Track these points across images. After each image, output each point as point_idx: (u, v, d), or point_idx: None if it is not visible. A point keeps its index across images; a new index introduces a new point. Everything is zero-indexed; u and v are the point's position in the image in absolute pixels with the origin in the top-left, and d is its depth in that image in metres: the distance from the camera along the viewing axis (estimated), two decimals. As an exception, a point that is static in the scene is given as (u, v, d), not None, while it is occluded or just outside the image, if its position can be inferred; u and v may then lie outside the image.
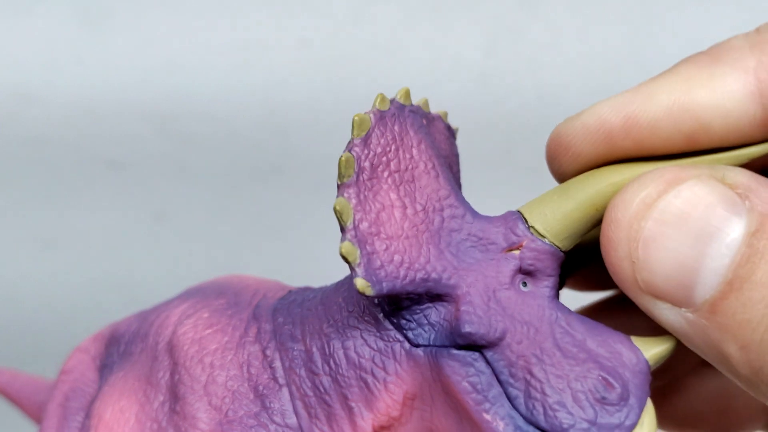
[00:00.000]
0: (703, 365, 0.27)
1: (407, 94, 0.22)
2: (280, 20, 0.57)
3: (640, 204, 0.19)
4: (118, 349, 0.26)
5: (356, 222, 0.20)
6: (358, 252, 0.20)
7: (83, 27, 0.55)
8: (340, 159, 0.20)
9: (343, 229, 0.20)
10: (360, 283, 0.20)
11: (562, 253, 0.22)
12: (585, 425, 0.20)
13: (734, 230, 0.18)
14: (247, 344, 0.23)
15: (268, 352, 0.23)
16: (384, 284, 0.20)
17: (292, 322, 0.23)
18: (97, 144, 0.56)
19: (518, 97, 0.55)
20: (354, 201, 0.20)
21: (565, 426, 0.20)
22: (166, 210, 0.57)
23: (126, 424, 0.23)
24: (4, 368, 0.31)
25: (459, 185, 0.24)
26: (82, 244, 0.56)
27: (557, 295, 0.22)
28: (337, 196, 0.20)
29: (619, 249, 0.20)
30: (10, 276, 0.55)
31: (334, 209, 0.20)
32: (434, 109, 0.23)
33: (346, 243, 0.20)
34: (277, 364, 0.22)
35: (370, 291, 0.20)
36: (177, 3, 0.56)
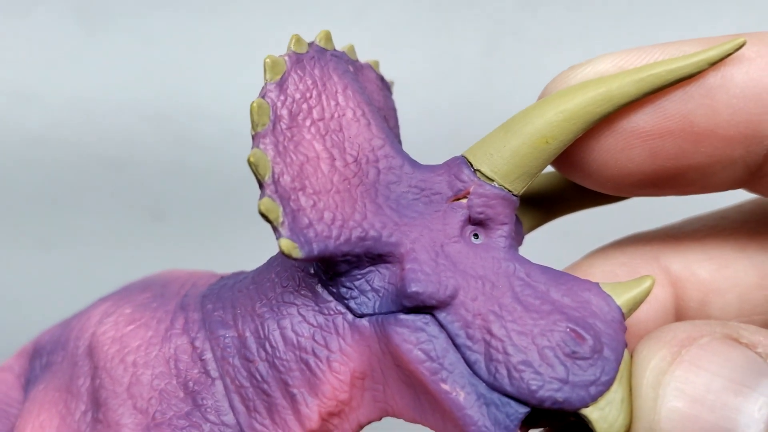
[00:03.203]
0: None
1: (328, 37, 0.20)
2: (280, 20, 0.56)
3: (655, 370, 0.17)
4: (40, 361, 0.24)
5: (276, 176, 0.17)
6: (281, 209, 0.17)
7: (83, 27, 0.55)
8: (251, 105, 0.18)
9: (261, 185, 0.17)
10: (285, 244, 0.17)
11: (514, 197, 0.19)
12: (556, 385, 0.17)
13: (763, 392, 0.16)
14: (173, 337, 0.20)
15: (197, 344, 0.20)
16: (314, 245, 0.17)
17: (222, 308, 0.20)
18: (96, 144, 0.56)
19: (518, 97, 0.55)
20: (271, 152, 0.18)
21: (533, 387, 0.17)
22: (166, 209, 0.57)
23: None
24: None
25: (399, 141, 0.21)
26: (81, 243, 0.56)
27: (514, 245, 0.19)
28: (252, 148, 0.17)
29: (642, 419, 0.17)
30: (7, 275, 0.55)
31: (249, 161, 0.17)
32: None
33: (265, 199, 0.17)
34: (208, 355, 0.20)
35: (297, 253, 0.17)
36: (177, 3, 0.56)
